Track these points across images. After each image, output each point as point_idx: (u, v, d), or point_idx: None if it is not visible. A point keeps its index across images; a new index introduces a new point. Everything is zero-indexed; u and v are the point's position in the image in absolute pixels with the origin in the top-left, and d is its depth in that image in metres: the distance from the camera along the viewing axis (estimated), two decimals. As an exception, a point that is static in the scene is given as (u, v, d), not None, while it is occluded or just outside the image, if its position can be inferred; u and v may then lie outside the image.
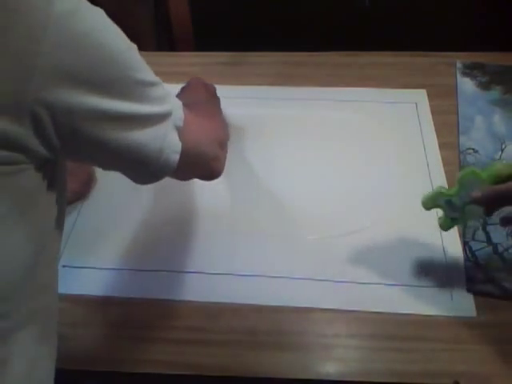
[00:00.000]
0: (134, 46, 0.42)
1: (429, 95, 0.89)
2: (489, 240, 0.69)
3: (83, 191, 0.76)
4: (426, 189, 0.74)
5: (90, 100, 0.37)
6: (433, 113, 0.86)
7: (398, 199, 0.74)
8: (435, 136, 0.82)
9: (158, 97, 0.43)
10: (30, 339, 0.43)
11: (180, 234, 0.72)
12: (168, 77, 0.93)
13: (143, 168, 0.44)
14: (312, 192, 0.76)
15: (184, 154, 0.45)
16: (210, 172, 0.57)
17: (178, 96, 0.73)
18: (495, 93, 0.89)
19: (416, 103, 0.88)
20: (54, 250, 0.47)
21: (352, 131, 0.84)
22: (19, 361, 0.42)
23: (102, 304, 0.65)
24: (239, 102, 0.90)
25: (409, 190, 0.75)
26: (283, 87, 0.92)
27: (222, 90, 0.92)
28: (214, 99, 0.78)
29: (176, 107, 0.46)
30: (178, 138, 0.45)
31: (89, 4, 0.38)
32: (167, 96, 0.45)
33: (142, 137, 0.42)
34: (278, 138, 0.84)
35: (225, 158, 0.60)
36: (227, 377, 0.59)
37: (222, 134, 0.60)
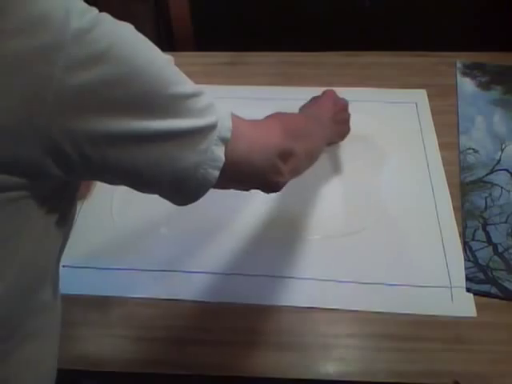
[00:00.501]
0: (169, 58, 0.41)
1: (429, 95, 0.89)
2: (489, 240, 0.69)
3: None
4: (426, 189, 0.75)
5: (116, 123, 0.35)
6: (433, 113, 0.86)
7: (398, 199, 0.74)
8: (435, 136, 0.82)
9: (199, 109, 0.40)
10: (31, 356, 0.42)
11: (180, 234, 0.72)
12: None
13: (179, 185, 0.42)
14: (312, 192, 0.76)
15: (231, 167, 0.43)
16: (267, 186, 0.53)
17: (303, 107, 0.74)
18: (495, 93, 0.89)
19: (416, 103, 0.88)
20: (56, 271, 0.46)
21: (352, 131, 0.84)
22: (21, 378, 0.41)
23: (102, 304, 0.65)
24: (239, 101, 0.90)
25: (409, 190, 0.75)
26: (283, 87, 0.92)
27: (222, 90, 0.92)
28: (338, 117, 0.74)
29: (223, 117, 0.43)
30: (222, 151, 0.42)
31: (111, 19, 0.36)
32: (211, 106, 0.42)
33: (177, 153, 0.39)
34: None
35: (290, 172, 0.53)
36: (227, 377, 0.59)
37: (286, 143, 0.52)
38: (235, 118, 0.44)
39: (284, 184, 0.54)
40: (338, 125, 0.75)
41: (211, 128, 0.41)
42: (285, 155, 0.51)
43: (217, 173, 0.42)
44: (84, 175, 0.39)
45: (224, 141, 0.42)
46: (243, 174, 0.48)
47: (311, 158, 0.61)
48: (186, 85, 0.40)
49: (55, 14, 0.32)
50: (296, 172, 0.56)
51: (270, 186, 0.53)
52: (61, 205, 0.40)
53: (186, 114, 0.39)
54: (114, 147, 0.36)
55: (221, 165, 0.42)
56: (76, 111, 0.33)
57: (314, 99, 0.74)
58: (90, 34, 0.33)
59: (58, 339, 0.47)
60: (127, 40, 0.36)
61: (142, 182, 0.41)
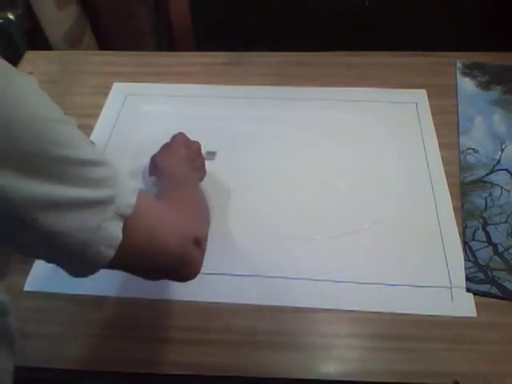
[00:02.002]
0: (69, 120, 0.36)
1: (429, 95, 0.89)
2: (489, 240, 0.69)
3: None
4: (426, 189, 0.75)
5: None
6: (433, 113, 0.86)
7: (398, 199, 0.74)
8: (435, 136, 0.82)
9: (93, 179, 0.36)
10: None
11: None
12: (168, 77, 0.94)
13: (67, 261, 0.38)
14: (312, 192, 0.76)
15: (131, 248, 0.39)
16: (178, 275, 0.48)
17: (156, 156, 0.68)
18: (495, 93, 0.89)
19: (416, 103, 0.88)
20: None
21: (352, 131, 0.84)
22: None
23: (101, 304, 0.65)
24: (239, 102, 0.90)
25: (409, 190, 0.75)
26: (283, 87, 0.92)
27: (222, 90, 0.92)
28: (196, 164, 0.70)
29: (125, 192, 0.39)
30: (119, 229, 0.38)
31: (9, 67, 0.33)
32: (111, 179, 0.38)
33: (64, 225, 0.35)
34: (278, 137, 0.84)
35: (201, 258, 0.49)
36: (227, 377, 0.59)
37: (200, 229, 0.49)
38: (143, 196, 0.41)
39: (199, 271, 0.49)
40: (198, 171, 0.71)
41: (105, 202, 0.37)
42: (199, 241, 0.48)
43: (112, 252, 0.38)
44: None
45: (122, 217, 0.38)
46: (148, 259, 0.43)
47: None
48: (80, 150, 0.36)
49: None
50: (203, 256, 0.51)
51: (180, 276, 0.49)
52: None
53: (75, 181, 0.35)
54: None
55: (116, 244, 0.38)
56: None
57: (166, 147, 0.69)
58: None
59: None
60: (17, 92, 0.32)
61: (18, 250, 0.38)
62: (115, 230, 0.38)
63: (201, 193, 0.62)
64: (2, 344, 0.45)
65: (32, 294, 0.66)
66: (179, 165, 0.65)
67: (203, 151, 0.75)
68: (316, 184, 0.77)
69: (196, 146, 0.72)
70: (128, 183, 0.40)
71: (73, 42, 1.10)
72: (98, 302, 0.65)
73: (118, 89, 0.93)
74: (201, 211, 0.55)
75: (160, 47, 1.23)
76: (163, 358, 0.60)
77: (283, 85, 0.93)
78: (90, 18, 1.19)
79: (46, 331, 0.62)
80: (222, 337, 0.62)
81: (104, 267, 0.39)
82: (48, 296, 0.65)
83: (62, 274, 0.70)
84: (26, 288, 0.66)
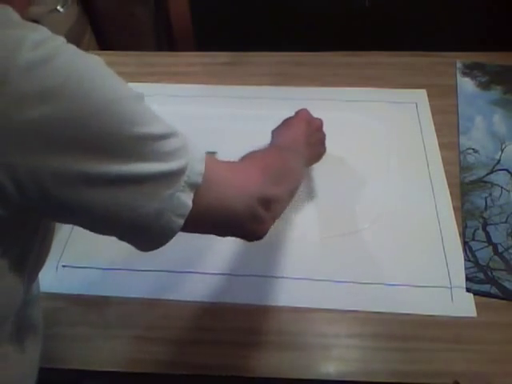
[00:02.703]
0: (138, 96, 0.37)
1: (429, 95, 0.89)
2: (489, 240, 0.69)
3: None
4: (426, 189, 0.75)
5: (65, 163, 0.32)
6: (433, 113, 0.86)
7: (398, 199, 0.74)
8: (435, 136, 0.82)
9: (166, 152, 0.37)
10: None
11: (180, 235, 0.71)
12: (168, 77, 0.94)
13: (139, 232, 0.39)
14: (312, 192, 0.76)
15: (200, 213, 0.40)
16: (247, 234, 0.49)
17: (275, 130, 0.67)
18: (495, 93, 0.89)
19: (416, 103, 0.88)
20: (21, 313, 0.45)
21: (352, 131, 0.84)
22: None
23: (102, 304, 0.65)
24: (239, 102, 0.90)
25: (409, 190, 0.75)
26: (283, 87, 0.92)
27: (222, 90, 0.92)
28: (312, 139, 0.68)
29: (194, 161, 0.39)
30: (189, 197, 0.39)
31: (73, 52, 0.34)
32: (182, 149, 0.39)
33: (137, 199, 0.36)
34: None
35: (272, 218, 0.49)
36: (227, 377, 0.59)
37: (269, 190, 0.48)
38: (210, 161, 0.41)
39: (266, 232, 0.49)
40: (314, 147, 0.70)
41: (178, 173, 0.38)
42: (266, 202, 0.47)
43: (181, 221, 0.39)
44: (32, 215, 0.36)
45: (193, 186, 0.39)
46: (217, 221, 0.44)
47: (292, 197, 0.57)
48: (153, 125, 0.37)
49: (4, 45, 0.31)
50: (279, 216, 0.52)
51: (250, 235, 0.49)
52: (19, 244, 0.38)
53: (150, 157, 0.36)
54: (62, 188, 0.33)
55: (186, 212, 0.39)
56: (21, 148, 0.31)
57: (287, 121, 0.68)
58: (42, 67, 0.31)
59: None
60: (87, 76, 0.33)
61: (98, 225, 0.39)
62: (186, 199, 0.39)
63: (296, 164, 0.58)
64: (30, 336, 0.46)
65: (32, 294, 0.66)
66: (293, 138, 0.63)
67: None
68: (316, 184, 0.77)
69: (317, 122, 0.71)
70: (196, 150, 0.41)
71: (73, 42, 1.10)
72: (98, 301, 0.65)
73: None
74: (280, 174, 0.52)
75: (160, 47, 1.23)
76: (163, 358, 0.60)
77: (283, 85, 0.93)
78: (90, 18, 1.19)
79: (46, 331, 0.62)
80: (222, 337, 0.62)
81: (175, 235, 0.40)
82: (48, 296, 0.65)
83: (62, 273, 0.70)
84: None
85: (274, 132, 0.68)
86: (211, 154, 0.81)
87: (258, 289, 0.65)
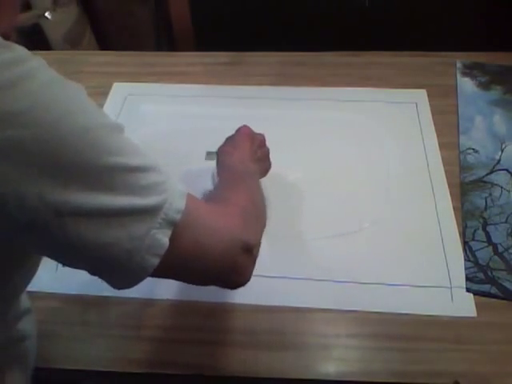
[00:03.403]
0: (118, 126, 0.36)
1: (429, 95, 0.89)
2: (489, 240, 0.69)
3: None
4: (426, 189, 0.75)
5: (31, 188, 0.31)
6: (433, 113, 0.86)
7: (398, 199, 0.74)
8: (435, 136, 0.82)
9: (143, 186, 0.35)
10: None
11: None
12: (168, 77, 0.94)
13: (111, 271, 0.37)
14: (311, 192, 0.76)
15: (177, 256, 0.38)
16: (225, 281, 0.46)
17: (220, 150, 0.66)
18: (495, 93, 0.89)
19: (416, 103, 0.88)
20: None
21: (352, 131, 0.84)
22: None
23: (101, 304, 0.65)
24: (239, 102, 0.90)
25: (409, 190, 0.75)
26: (283, 87, 0.92)
27: (222, 90, 0.92)
28: (258, 155, 0.67)
29: (174, 196, 0.37)
30: (166, 236, 0.36)
31: (50, 75, 0.33)
32: (161, 184, 0.37)
33: (108, 235, 0.34)
34: (278, 137, 0.84)
35: (251, 265, 0.46)
36: (227, 377, 0.59)
37: (250, 235, 0.46)
38: (191, 200, 0.39)
39: (249, 278, 0.46)
40: (260, 163, 0.68)
41: (155, 209, 0.35)
42: (249, 248, 0.45)
43: (156, 261, 0.36)
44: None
45: (171, 224, 0.36)
46: (194, 267, 0.41)
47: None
48: (131, 157, 0.35)
49: None
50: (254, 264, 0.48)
51: (231, 284, 0.47)
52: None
53: (123, 189, 0.34)
54: (25, 214, 0.31)
55: (162, 252, 0.36)
56: None
57: (230, 140, 0.67)
58: (9, 90, 0.30)
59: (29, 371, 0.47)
60: (58, 102, 0.32)
61: (66, 259, 0.37)
62: (162, 237, 0.36)
63: (259, 192, 0.57)
64: (17, 368, 0.45)
65: (32, 294, 0.65)
66: (241, 159, 0.62)
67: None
68: (315, 184, 0.77)
69: (260, 138, 0.70)
70: (176, 187, 0.38)
71: (73, 42, 1.10)
72: (98, 302, 0.65)
73: (118, 89, 0.93)
74: (255, 214, 0.51)
75: (160, 47, 1.23)
76: (163, 358, 0.60)
77: (283, 85, 0.93)
78: (90, 18, 1.19)
79: (46, 331, 0.62)
80: (222, 337, 0.62)
81: (148, 276, 0.37)
82: (48, 296, 0.65)
83: (61, 273, 0.70)
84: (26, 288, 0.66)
85: (219, 152, 0.67)
86: (211, 153, 0.81)
87: (258, 289, 0.65)
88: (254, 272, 0.66)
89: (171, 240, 0.37)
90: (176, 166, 0.79)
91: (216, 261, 0.42)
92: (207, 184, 0.77)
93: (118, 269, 0.36)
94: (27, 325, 0.49)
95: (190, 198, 0.39)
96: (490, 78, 0.92)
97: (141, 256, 0.35)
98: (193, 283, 0.46)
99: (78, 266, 0.37)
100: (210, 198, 0.51)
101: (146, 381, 0.62)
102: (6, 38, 0.33)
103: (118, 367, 0.60)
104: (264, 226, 0.54)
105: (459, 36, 0.98)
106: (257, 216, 0.52)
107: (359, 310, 0.63)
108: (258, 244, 0.48)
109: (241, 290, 0.65)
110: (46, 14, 0.93)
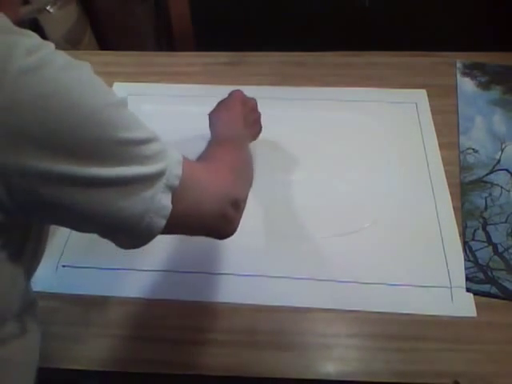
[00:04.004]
0: (122, 101, 0.39)
1: (429, 95, 0.89)
2: (489, 240, 0.69)
3: None
4: (426, 189, 0.75)
5: (53, 165, 0.34)
6: (433, 113, 0.86)
7: (398, 199, 0.74)
8: (435, 136, 0.82)
9: (148, 155, 0.39)
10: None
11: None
12: (168, 77, 0.94)
13: (122, 232, 0.40)
14: (312, 192, 0.76)
15: (178, 215, 0.42)
16: (217, 234, 0.52)
17: (211, 112, 0.68)
18: (495, 93, 0.89)
19: (416, 103, 0.88)
20: (23, 302, 0.46)
21: (352, 131, 0.84)
22: None
23: (102, 304, 0.65)
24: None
25: (409, 190, 0.75)
26: (283, 87, 0.92)
27: (222, 90, 0.92)
28: (249, 119, 0.70)
29: (173, 163, 0.41)
30: (169, 199, 0.40)
31: (63, 60, 0.35)
32: (161, 152, 0.40)
33: (122, 201, 0.38)
34: (278, 137, 0.84)
35: (239, 217, 0.51)
36: (227, 377, 0.59)
37: (238, 191, 0.51)
38: (187, 164, 0.43)
39: (235, 230, 0.51)
40: (251, 127, 0.71)
41: (159, 175, 0.39)
42: (236, 203, 0.50)
43: (163, 222, 0.40)
44: (17, 214, 0.36)
45: (171, 188, 0.41)
46: (192, 222, 0.46)
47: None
48: (136, 131, 0.39)
49: None
50: (241, 216, 0.53)
51: (221, 235, 0.52)
52: (10, 242, 0.39)
53: (134, 161, 0.38)
54: (49, 188, 0.35)
55: (167, 213, 0.40)
56: (13, 150, 0.33)
57: (223, 103, 0.69)
58: (33, 75, 0.32)
59: (34, 367, 0.48)
60: (74, 87, 0.35)
61: (81, 225, 0.40)
62: (166, 200, 0.40)
63: (247, 153, 0.62)
64: (30, 314, 0.48)
65: (32, 294, 0.66)
66: (231, 122, 0.65)
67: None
68: (316, 184, 0.77)
69: (252, 102, 0.72)
70: (174, 154, 0.42)
71: (73, 42, 1.10)
72: (98, 302, 0.65)
73: (118, 89, 0.93)
74: (242, 172, 0.56)
75: (160, 47, 1.23)
76: (163, 358, 0.60)
77: (283, 85, 0.93)
78: (90, 18, 1.19)
79: (46, 331, 0.62)
80: (222, 337, 0.62)
81: (155, 236, 0.41)
82: (48, 296, 0.65)
83: (61, 273, 0.70)
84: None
85: (211, 115, 0.69)
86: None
87: (258, 289, 0.65)
88: (254, 272, 0.67)
89: (173, 202, 0.41)
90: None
91: (210, 216, 0.47)
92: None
93: (129, 231, 0.40)
94: (32, 317, 0.49)
95: (186, 162, 0.43)
96: (490, 78, 0.92)
97: (150, 218, 0.39)
98: (189, 235, 0.50)
99: (91, 229, 0.41)
100: (202, 156, 0.54)
101: (145, 381, 0.62)
102: None
103: (117, 367, 0.60)
104: (251, 183, 0.58)
105: (459, 36, 0.97)
106: (244, 173, 0.57)
107: (359, 310, 0.63)
108: (245, 198, 0.53)
109: (241, 290, 0.66)
110: (48, 8, 0.92)
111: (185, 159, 0.43)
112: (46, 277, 0.67)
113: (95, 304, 0.65)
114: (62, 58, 0.36)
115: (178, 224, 0.43)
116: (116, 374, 0.60)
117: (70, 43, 1.09)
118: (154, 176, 0.39)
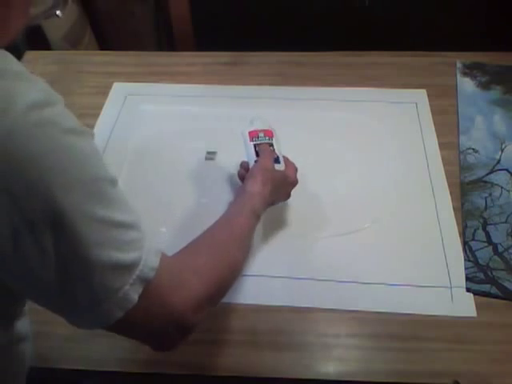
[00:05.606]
0: (114, 180, 0.37)
1: (429, 95, 0.89)
2: (489, 240, 0.69)
3: None
4: (426, 189, 0.75)
5: (24, 226, 0.32)
6: (433, 113, 0.86)
7: (398, 199, 0.74)
8: (435, 136, 0.82)
9: (125, 241, 0.36)
10: None
11: (180, 234, 0.72)
12: (168, 77, 0.94)
13: (74, 313, 0.38)
14: (312, 192, 0.76)
15: (142, 311, 0.38)
16: (156, 345, 0.46)
17: (256, 167, 0.63)
18: (495, 93, 0.89)
19: (416, 103, 0.88)
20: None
21: (352, 131, 0.84)
22: None
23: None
24: (239, 102, 0.90)
25: (409, 190, 0.75)
26: (283, 87, 0.92)
27: (222, 90, 0.92)
28: (283, 192, 0.66)
29: (149, 254, 0.38)
30: (137, 293, 0.38)
31: (68, 122, 0.34)
32: (139, 241, 0.38)
33: (85, 281, 0.35)
34: (278, 137, 0.84)
35: (180, 342, 0.45)
36: (227, 377, 0.59)
37: (198, 318, 0.45)
38: (164, 259, 0.40)
39: (174, 347, 0.46)
40: (278, 197, 0.66)
41: (131, 266, 0.37)
42: (188, 331, 0.45)
43: (121, 314, 0.37)
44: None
45: (144, 281, 0.38)
46: (146, 326, 0.42)
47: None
48: (121, 213, 0.37)
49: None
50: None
51: (157, 347, 0.46)
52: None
53: (106, 243, 0.35)
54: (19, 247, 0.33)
55: (129, 307, 0.37)
56: None
57: (270, 172, 0.63)
58: (34, 132, 0.32)
59: (23, 374, 0.48)
60: (72, 151, 0.34)
61: (32, 297, 0.40)
62: (133, 294, 0.37)
63: (247, 239, 0.56)
64: (14, 370, 0.47)
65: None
66: (256, 195, 0.59)
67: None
68: (316, 184, 0.77)
69: (294, 185, 0.68)
70: (153, 244, 0.40)
71: (73, 42, 1.10)
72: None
73: (118, 89, 0.93)
74: (224, 283, 0.50)
75: (160, 47, 1.23)
76: (163, 358, 0.60)
77: (283, 85, 0.93)
78: (90, 18, 1.19)
79: (46, 331, 0.62)
80: (222, 337, 0.62)
81: (108, 325, 0.38)
82: (48, 296, 0.65)
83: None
84: None
85: (253, 169, 0.64)
86: (211, 153, 0.81)
87: (258, 289, 0.65)
88: (255, 272, 0.67)
89: (139, 297, 0.38)
90: (176, 166, 0.79)
91: (161, 327, 0.42)
92: (207, 184, 0.77)
93: (83, 312, 0.37)
94: (24, 326, 0.49)
95: (164, 256, 0.41)
96: (490, 77, 0.92)
97: (109, 306, 0.37)
98: (133, 339, 0.46)
99: (44, 303, 0.39)
100: (197, 241, 0.51)
101: (145, 381, 0.62)
102: (15, 38, 0.35)
103: (117, 367, 0.60)
104: (229, 287, 0.52)
105: (459, 36, 0.98)
106: (224, 285, 0.51)
107: (359, 310, 0.63)
108: (197, 325, 0.46)
109: (241, 290, 0.66)
110: (58, 13, 0.92)
111: (164, 254, 0.41)
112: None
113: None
114: (69, 121, 0.35)
115: (136, 320, 0.39)
116: (116, 374, 0.60)
117: (69, 43, 1.09)
118: (126, 265, 0.37)
